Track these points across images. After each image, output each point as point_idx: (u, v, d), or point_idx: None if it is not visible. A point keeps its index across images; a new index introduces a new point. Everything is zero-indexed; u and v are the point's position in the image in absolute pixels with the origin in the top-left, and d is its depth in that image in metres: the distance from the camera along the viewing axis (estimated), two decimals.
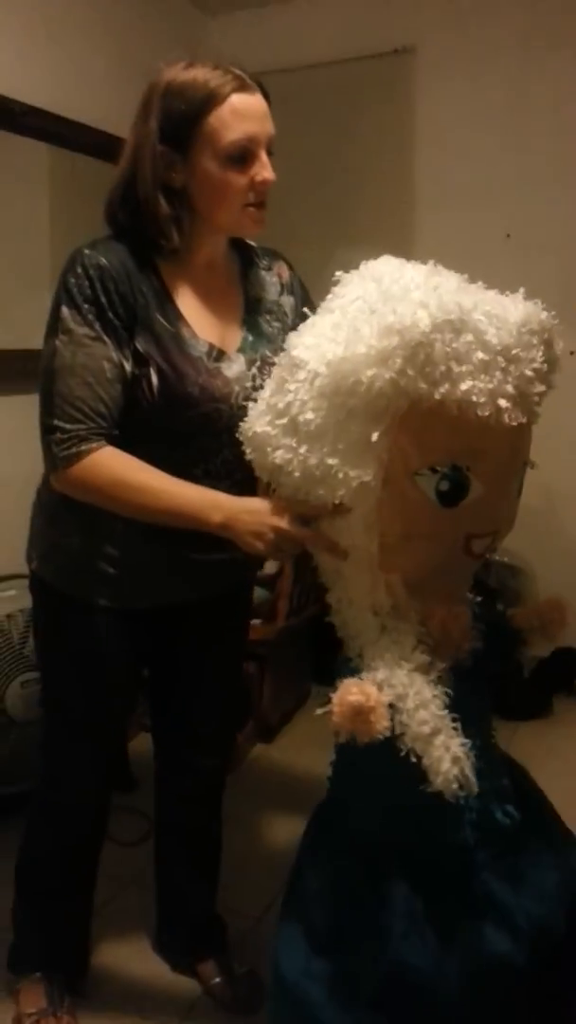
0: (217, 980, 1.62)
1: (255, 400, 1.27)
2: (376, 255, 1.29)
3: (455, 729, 1.16)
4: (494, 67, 2.85)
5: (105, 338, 1.22)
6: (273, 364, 1.31)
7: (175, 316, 1.27)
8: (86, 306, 1.22)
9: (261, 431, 1.22)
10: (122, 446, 1.25)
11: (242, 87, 1.23)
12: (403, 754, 1.14)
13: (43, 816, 1.55)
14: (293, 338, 1.21)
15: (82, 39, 2.46)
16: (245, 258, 1.41)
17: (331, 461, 1.13)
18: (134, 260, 1.27)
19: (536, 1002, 1.17)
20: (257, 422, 1.23)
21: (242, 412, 1.28)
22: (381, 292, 1.17)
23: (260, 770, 2.47)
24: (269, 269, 1.43)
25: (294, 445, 1.17)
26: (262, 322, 1.38)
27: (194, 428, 1.28)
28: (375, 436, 1.10)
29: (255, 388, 1.30)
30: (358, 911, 1.23)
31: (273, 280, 1.42)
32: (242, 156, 1.23)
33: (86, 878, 1.59)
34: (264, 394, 1.26)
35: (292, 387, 1.16)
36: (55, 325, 1.24)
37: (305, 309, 1.26)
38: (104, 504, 1.26)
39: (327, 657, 2.76)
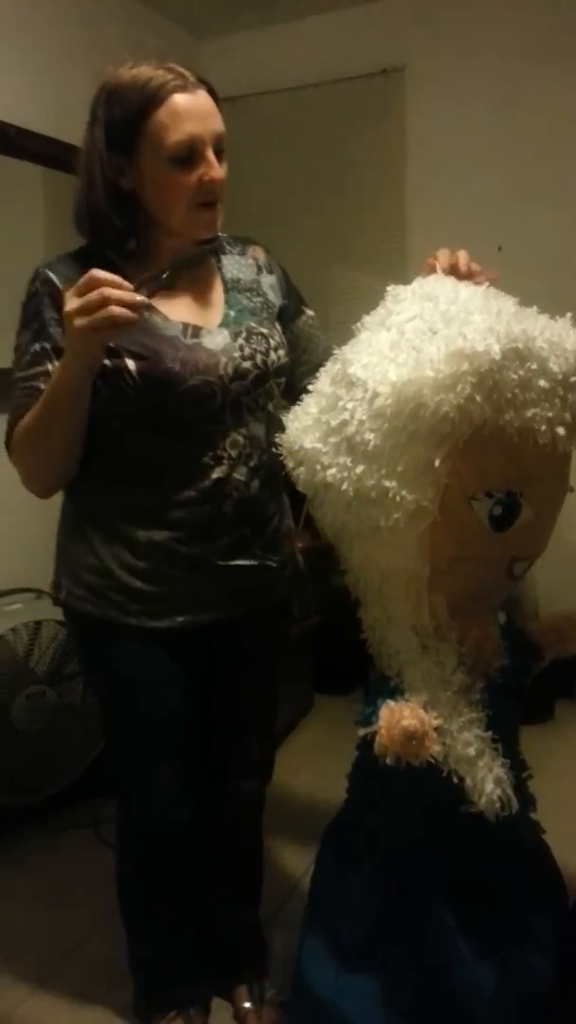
0: (247, 1005, 1.57)
1: (248, 370, 1.28)
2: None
3: (496, 750, 1.18)
4: (482, 84, 2.87)
5: (43, 356, 1.24)
6: (260, 334, 1.33)
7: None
8: (32, 323, 1.26)
9: (311, 447, 1.19)
10: (124, 446, 1.28)
11: (183, 86, 1.21)
12: (445, 775, 1.15)
13: (134, 849, 1.50)
14: (348, 354, 1.18)
15: (74, 64, 2.51)
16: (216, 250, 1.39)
17: (388, 483, 1.11)
18: (94, 266, 1.21)
19: (567, 1015, 1.21)
20: (305, 437, 1.21)
21: (237, 387, 1.28)
22: (440, 313, 1.15)
23: None
24: (243, 254, 1.42)
25: (349, 464, 1.14)
26: (243, 299, 1.37)
27: (188, 409, 1.26)
28: (438, 461, 1.09)
29: (244, 358, 1.29)
30: (389, 926, 1.24)
31: (248, 263, 1.42)
32: (187, 157, 1.21)
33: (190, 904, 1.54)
34: (310, 408, 1.23)
35: (349, 406, 1.14)
36: (14, 344, 1.30)
37: (356, 325, 1.23)
38: (39, 454, 1.27)
39: (330, 667, 2.75)
